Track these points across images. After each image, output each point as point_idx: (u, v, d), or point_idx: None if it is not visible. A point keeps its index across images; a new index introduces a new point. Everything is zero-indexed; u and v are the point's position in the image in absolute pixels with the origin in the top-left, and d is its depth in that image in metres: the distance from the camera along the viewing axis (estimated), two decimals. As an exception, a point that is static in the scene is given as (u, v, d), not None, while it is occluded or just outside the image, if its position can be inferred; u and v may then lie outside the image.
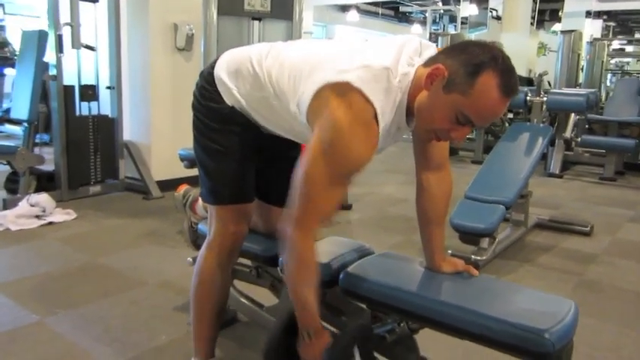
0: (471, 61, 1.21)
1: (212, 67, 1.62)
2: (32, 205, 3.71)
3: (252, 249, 1.82)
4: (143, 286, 2.64)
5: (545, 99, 4.33)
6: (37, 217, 3.66)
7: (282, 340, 1.44)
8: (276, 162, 1.71)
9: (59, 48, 3.74)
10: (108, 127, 4.43)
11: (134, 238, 3.40)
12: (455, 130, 1.29)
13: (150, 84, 4.48)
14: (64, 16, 3.86)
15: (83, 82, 4.29)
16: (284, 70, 1.44)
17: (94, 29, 4.36)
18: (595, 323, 2.37)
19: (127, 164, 4.61)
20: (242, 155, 1.60)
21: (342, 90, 1.25)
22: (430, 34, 8.00)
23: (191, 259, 2.16)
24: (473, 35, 12.64)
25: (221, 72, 1.58)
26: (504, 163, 3.38)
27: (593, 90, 4.91)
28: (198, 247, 2.20)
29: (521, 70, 10.49)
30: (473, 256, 2.88)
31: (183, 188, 2.35)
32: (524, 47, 11.48)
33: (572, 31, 6.67)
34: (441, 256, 1.57)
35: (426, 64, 1.30)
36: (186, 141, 2.36)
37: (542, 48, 11.93)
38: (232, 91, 1.54)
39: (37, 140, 4.20)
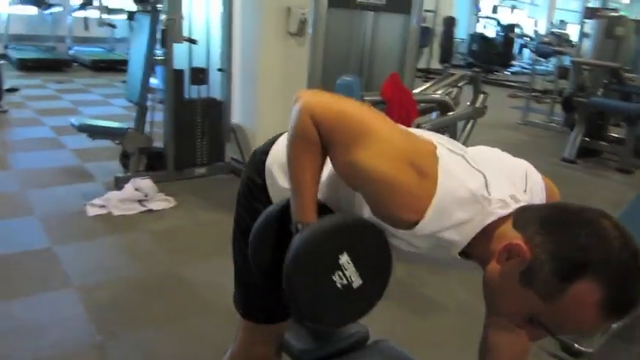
0: (569, 257, 0.83)
1: (265, 152, 1.32)
2: (136, 189, 3.86)
3: (290, 344, 1.64)
4: (209, 314, 2.61)
5: None
6: (139, 201, 3.82)
7: (272, 230, 1.18)
8: None
9: (162, 43, 3.74)
10: (216, 109, 4.44)
11: (222, 242, 3.34)
12: (526, 328, 0.94)
13: (258, 68, 4.37)
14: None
15: (194, 65, 4.29)
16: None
17: (206, 10, 4.31)
18: None
19: (234, 147, 4.62)
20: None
21: None
22: (585, 8, 6.90)
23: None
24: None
25: (274, 164, 1.28)
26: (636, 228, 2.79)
27: None
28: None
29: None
30: (576, 345, 2.40)
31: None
32: None
33: None
34: None
35: (516, 223, 0.94)
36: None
37: None
38: (284, 194, 1.20)
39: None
